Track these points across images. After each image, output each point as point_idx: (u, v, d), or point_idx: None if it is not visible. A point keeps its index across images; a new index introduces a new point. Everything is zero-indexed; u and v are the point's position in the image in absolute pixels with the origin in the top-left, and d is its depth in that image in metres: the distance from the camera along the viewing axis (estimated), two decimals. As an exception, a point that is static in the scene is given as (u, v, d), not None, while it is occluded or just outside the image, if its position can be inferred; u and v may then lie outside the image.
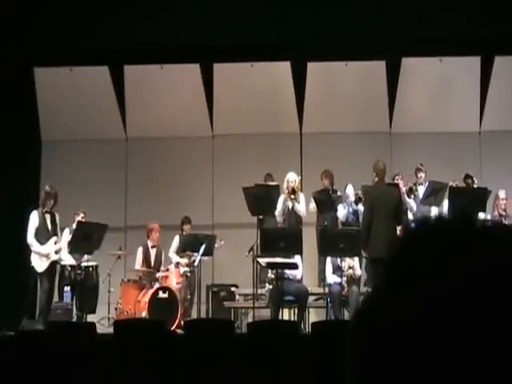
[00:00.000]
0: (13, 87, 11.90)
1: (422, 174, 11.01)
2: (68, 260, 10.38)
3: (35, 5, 11.53)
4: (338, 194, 10.86)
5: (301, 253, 9.72)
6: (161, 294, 10.40)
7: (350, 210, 10.51)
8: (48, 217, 10.12)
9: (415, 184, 10.95)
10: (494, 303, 0.67)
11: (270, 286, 9.75)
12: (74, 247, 9.99)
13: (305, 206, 10.70)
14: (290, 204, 10.61)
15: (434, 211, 10.45)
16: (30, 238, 9.96)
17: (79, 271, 10.22)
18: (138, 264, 11.11)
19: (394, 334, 0.68)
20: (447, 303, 0.67)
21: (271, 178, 11.29)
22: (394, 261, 0.73)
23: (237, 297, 11.10)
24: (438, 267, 0.69)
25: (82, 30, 11.54)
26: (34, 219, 10.04)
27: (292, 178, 10.62)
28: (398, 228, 9.02)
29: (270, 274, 9.83)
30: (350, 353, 0.73)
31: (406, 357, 0.67)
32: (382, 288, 0.72)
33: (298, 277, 9.86)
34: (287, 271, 9.71)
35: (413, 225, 0.74)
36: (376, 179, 9.41)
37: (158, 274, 10.83)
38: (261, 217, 10.60)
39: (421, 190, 10.92)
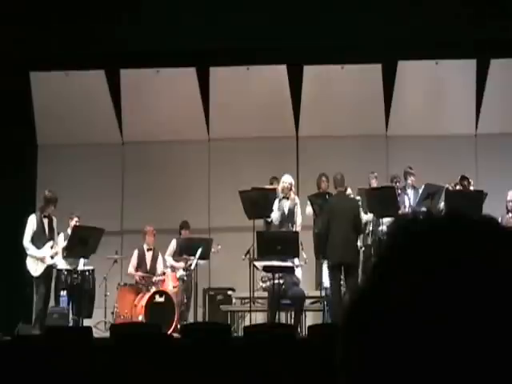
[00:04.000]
0: (9, 91, 11.88)
1: (412, 178, 11.03)
2: (63, 265, 10.36)
3: (31, 9, 11.52)
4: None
5: (297, 256, 9.71)
6: (157, 298, 10.40)
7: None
8: (46, 221, 10.07)
9: (404, 187, 11.01)
10: (486, 302, 0.67)
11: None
12: (70, 252, 9.96)
13: (300, 221, 10.59)
14: (286, 206, 10.55)
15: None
16: (26, 242, 9.93)
17: (75, 275, 10.20)
18: (132, 266, 11.10)
19: (386, 334, 0.68)
20: (439, 302, 0.67)
21: (277, 181, 11.10)
22: (383, 259, 0.72)
23: (233, 300, 11.10)
24: (428, 266, 0.68)
25: (77, 34, 11.53)
26: (31, 223, 10.00)
27: (287, 179, 10.57)
28: (359, 237, 9.82)
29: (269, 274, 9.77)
30: (340, 353, 0.72)
31: (398, 357, 0.67)
32: (371, 287, 0.72)
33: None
34: (292, 276, 9.67)
35: (401, 222, 0.74)
36: (336, 190, 9.89)
37: (155, 278, 10.83)
38: (269, 220, 10.52)
39: (411, 193, 10.94)
